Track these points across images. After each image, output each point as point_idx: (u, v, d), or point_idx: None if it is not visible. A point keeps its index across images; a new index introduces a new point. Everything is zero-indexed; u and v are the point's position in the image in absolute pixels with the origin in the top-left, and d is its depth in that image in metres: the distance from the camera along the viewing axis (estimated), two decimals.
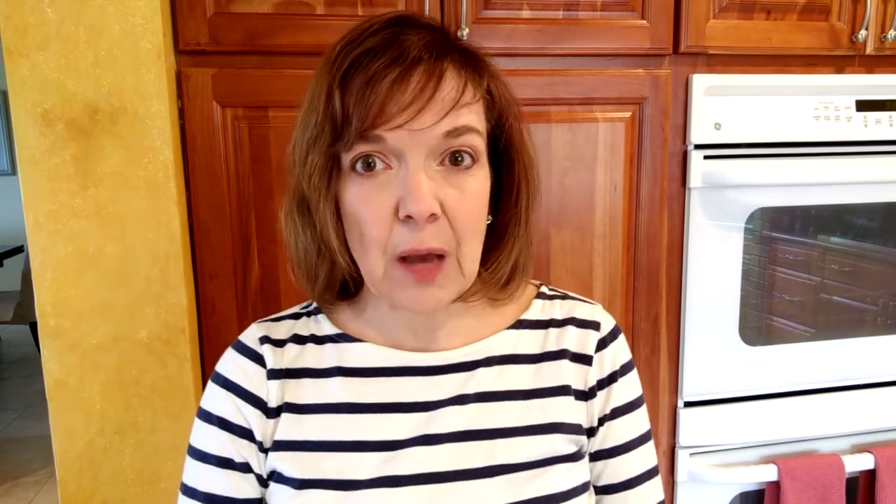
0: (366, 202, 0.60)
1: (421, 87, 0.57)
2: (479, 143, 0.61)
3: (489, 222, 0.67)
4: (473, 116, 0.61)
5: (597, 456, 0.72)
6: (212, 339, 1.08)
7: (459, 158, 0.60)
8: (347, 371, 0.68)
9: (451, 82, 0.59)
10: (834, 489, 1.27)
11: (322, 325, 0.71)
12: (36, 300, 0.99)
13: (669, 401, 1.27)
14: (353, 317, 0.71)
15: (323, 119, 0.59)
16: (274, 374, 0.68)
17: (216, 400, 0.68)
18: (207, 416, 0.68)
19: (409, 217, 0.58)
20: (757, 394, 1.29)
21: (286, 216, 0.67)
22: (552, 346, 0.71)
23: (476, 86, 0.61)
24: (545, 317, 0.73)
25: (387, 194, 0.59)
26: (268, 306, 1.10)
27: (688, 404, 1.28)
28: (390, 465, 0.64)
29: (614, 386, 0.71)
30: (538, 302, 0.74)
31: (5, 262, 4.35)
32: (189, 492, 0.67)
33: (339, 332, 0.70)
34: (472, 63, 0.62)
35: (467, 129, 0.59)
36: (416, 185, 0.57)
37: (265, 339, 0.70)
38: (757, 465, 1.29)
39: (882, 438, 1.36)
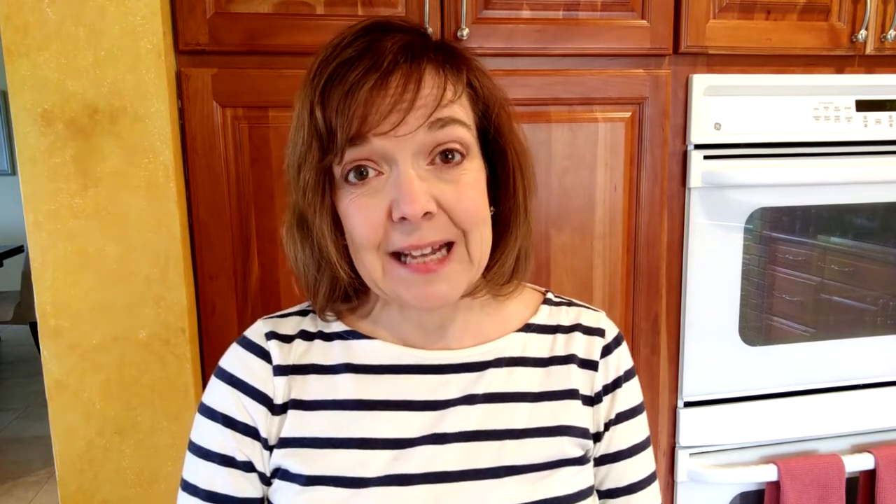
0: (360, 209, 0.60)
1: (400, 93, 0.57)
2: (466, 134, 0.61)
3: (492, 213, 0.67)
4: (458, 109, 0.61)
5: (601, 460, 0.72)
6: (212, 338, 1.08)
7: (450, 156, 0.60)
8: (356, 368, 0.68)
9: (430, 83, 0.59)
10: (834, 489, 1.27)
11: (330, 322, 0.71)
12: (36, 300, 0.99)
13: (669, 401, 1.27)
14: (360, 317, 0.72)
15: (309, 136, 0.60)
16: (280, 371, 0.68)
17: (220, 396, 0.68)
18: (210, 413, 0.67)
19: (403, 218, 0.58)
20: (757, 394, 1.29)
21: (287, 231, 0.67)
22: (560, 351, 0.71)
23: (456, 81, 0.61)
24: (552, 322, 0.73)
25: (380, 199, 0.59)
26: (268, 306, 1.10)
27: (688, 404, 1.28)
28: (399, 464, 0.64)
29: (619, 391, 0.72)
30: (545, 307, 0.74)
31: (5, 262, 4.35)
32: (190, 488, 0.67)
33: (348, 328, 0.70)
34: (451, 60, 0.62)
35: (451, 120, 0.59)
36: (407, 186, 0.58)
37: (272, 335, 0.70)
38: (757, 465, 1.29)
39: (882, 438, 1.36)
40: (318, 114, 0.59)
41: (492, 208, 0.67)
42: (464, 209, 0.60)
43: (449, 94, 0.60)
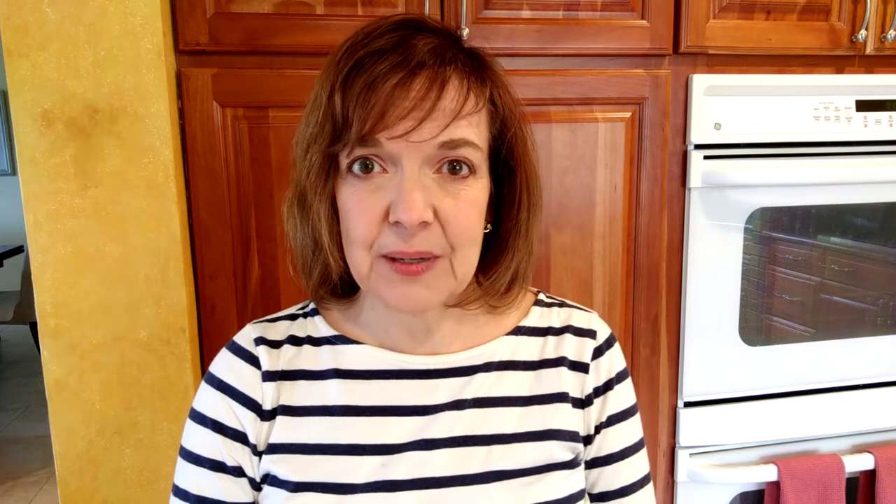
0: (358, 202, 0.60)
1: (422, 96, 0.57)
2: (476, 156, 0.61)
3: (489, 231, 0.67)
4: (473, 129, 0.60)
5: (592, 463, 0.72)
6: (212, 339, 1.08)
7: (457, 167, 0.60)
8: (345, 373, 0.68)
9: (452, 92, 0.58)
10: (834, 489, 1.27)
11: (319, 327, 0.71)
12: (36, 300, 0.99)
13: (669, 401, 1.27)
14: (349, 319, 0.71)
15: (324, 118, 0.60)
16: (269, 376, 0.68)
17: (209, 402, 0.68)
18: (200, 418, 0.67)
19: (398, 222, 0.58)
20: (757, 394, 1.29)
21: (287, 209, 0.67)
22: (550, 354, 0.71)
23: (479, 95, 0.61)
24: (543, 324, 0.73)
25: (379, 197, 0.59)
26: (268, 306, 1.10)
27: (688, 404, 1.28)
28: (387, 470, 0.64)
29: (610, 394, 0.72)
30: (536, 309, 0.74)
31: (5, 262, 4.35)
32: (181, 494, 0.67)
33: (337, 333, 0.70)
34: (477, 71, 0.62)
35: (464, 143, 0.59)
36: (408, 192, 0.57)
37: (261, 340, 0.69)
38: (757, 465, 1.29)
39: (882, 438, 1.36)
40: (338, 98, 0.58)
41: (490, 227, 0.67)
42: (458, 224, 0.60)
43: (469, 106, 0.59)
